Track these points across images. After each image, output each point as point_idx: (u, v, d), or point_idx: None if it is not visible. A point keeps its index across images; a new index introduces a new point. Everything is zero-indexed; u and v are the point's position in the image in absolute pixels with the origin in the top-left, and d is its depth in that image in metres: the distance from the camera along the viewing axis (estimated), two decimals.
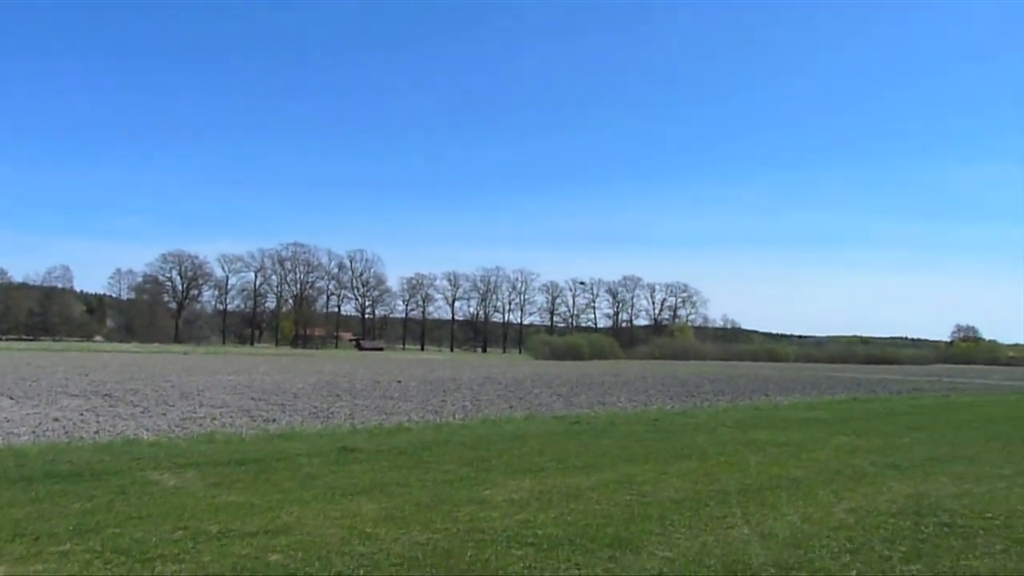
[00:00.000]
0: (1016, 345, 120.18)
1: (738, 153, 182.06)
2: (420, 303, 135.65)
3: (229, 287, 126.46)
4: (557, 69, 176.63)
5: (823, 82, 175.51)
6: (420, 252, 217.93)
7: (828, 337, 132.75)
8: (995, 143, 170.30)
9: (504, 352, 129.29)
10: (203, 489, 8.35)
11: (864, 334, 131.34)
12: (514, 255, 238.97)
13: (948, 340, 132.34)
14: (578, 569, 5.72)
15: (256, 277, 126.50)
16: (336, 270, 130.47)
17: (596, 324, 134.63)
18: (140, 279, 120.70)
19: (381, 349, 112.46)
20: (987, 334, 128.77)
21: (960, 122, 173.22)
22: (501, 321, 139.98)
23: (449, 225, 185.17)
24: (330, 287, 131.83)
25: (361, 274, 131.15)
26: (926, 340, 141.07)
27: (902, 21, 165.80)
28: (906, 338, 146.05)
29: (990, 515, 7.65)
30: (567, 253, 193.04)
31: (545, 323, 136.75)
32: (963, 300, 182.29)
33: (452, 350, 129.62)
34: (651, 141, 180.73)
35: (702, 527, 7.00)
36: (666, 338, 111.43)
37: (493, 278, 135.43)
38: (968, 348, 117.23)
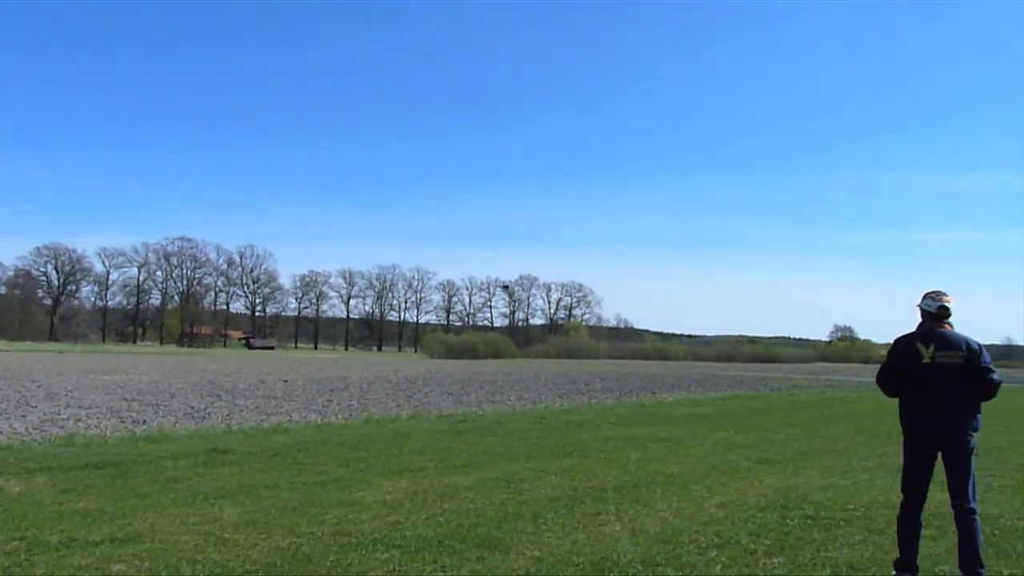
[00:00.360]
0: (888, 344, 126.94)
1: (631, 155, 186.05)
2: (314, 301, 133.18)
3: (110, 283, 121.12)
4: (457, 69, 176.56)
5: (709, 87, 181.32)
6: (314, 249, 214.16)
7: (716, 336, 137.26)
8: (870, 152, 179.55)
9: (400, 351, 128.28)
10: (51, 496, 7.77)
11: (750, 334, 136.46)
12: (411, 253, 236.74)
13: (827, 339, 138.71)
14: (444, 571, 5.54)
15: (139, 272, 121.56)
16: (225, 266, 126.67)
17: (492, 323, 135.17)
18: (11, 273, 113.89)
19: (272, 348, 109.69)
20: (862, 334, 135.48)
21: (834, 130, 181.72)
22: (397, 320, 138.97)
23: (344, 222, 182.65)
24: (219, 284, 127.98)
25: (252, 271, 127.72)
26: (807, 340, 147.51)
27: (780, 28, 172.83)
28: (789, 338, 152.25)
29: (852, 507, 7.87)
30: (464, 252, 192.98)
31: (441, 322, 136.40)
32: (841, 301, 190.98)
33: (347, 349, 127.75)
34: (547, 142, 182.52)
35: (575, 525, 6.94)
36: (561, 337, 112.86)
37: (389, 276, 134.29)
38: (845, 347, 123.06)
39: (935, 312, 5.51)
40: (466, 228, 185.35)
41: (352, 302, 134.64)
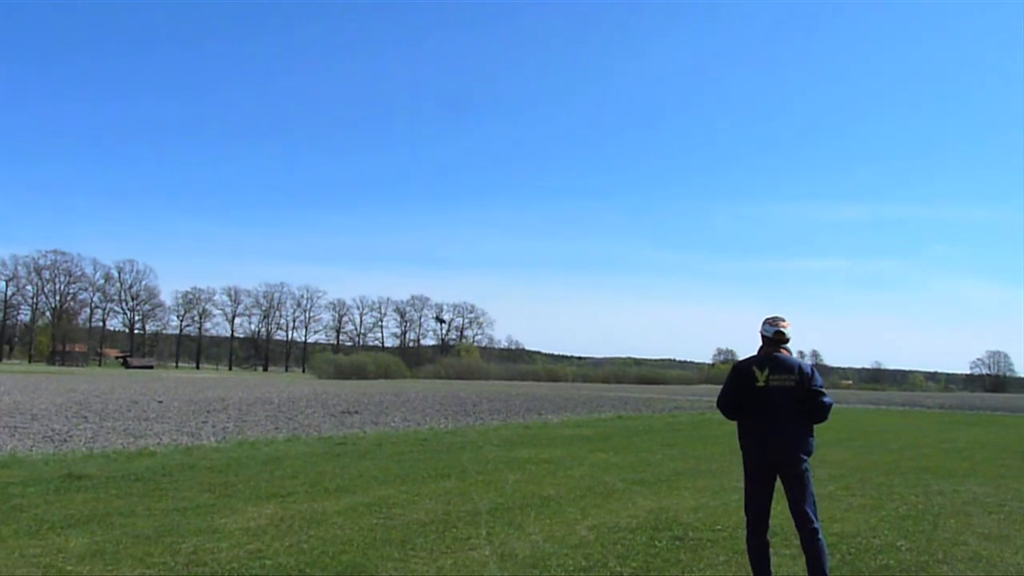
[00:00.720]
0: None
1: (523, 178, 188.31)
2: (197, 319, 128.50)
3: None
4: (345, 87, 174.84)
5: (598, 117, 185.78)
6: (198, 265, 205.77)
7: (605, 359, 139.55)
8: (751, 182, 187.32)
9: (287, 371, 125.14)
10: None
11: (638, 356, 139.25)
12: (300, 271, 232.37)
13: (711, 362, 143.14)
14: None
15: (7, 287, 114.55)
16: (102, 281, 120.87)
17: (383, 343, 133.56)
18: None
19: (151, 367, 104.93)
20: (743, 356, 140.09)
21: (718, 160, 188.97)
22: (285, 339, 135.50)
23: (230, 238, 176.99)
24: (95, 299, 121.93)
25: (131, 286, 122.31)
26: (692, 362, 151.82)
27: (660, 58, 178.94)
28: (675, 360, 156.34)
29: (720, 527, 8.02)
30: (355, 271, 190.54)
31: (331, 341, 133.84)
32: (724, 325, 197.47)
33: (231, 369, 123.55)
34: (440, 162, 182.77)
35: (444, 550, 6.81)
36: (452, 358, 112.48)
37: (277, 294, 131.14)
38: (727, 370, 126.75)
39: (772, 337, 5.70)
40: (357, 247, 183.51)
41: (237, 320, 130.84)
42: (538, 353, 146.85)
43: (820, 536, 5.46)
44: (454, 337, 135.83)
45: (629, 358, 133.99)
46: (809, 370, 5.60)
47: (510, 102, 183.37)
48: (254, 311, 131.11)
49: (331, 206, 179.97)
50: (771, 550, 5.72)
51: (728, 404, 5.74)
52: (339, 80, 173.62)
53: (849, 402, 51.08)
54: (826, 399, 5.58)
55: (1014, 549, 7.32)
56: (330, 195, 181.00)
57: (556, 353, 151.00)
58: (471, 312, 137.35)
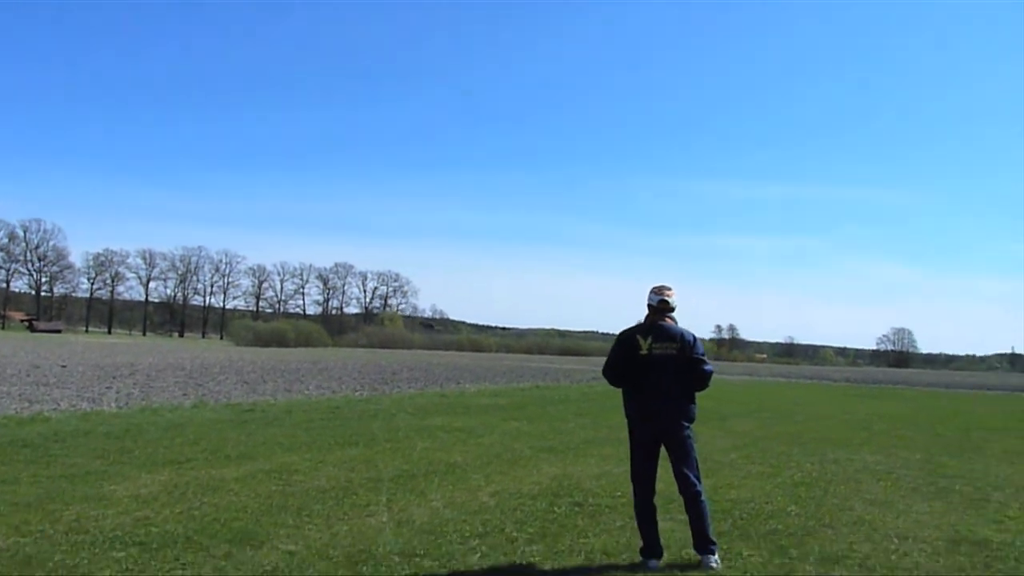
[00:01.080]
0: None
1: (448, 147, 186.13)
2: (109, 282, 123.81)
3: None
4: (269, 50, 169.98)
5: (524, 88, 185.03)
6: (110, 227, 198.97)
7: (528, 329, 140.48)
8: (675, 159, 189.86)
9: (204, 337, 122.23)
10: None
11: (562, 327, 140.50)
12: (219, 235, 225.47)
13: None
14: (184, 569, 5.15)
15: None
16: (6, 240, 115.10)
17: (305, 311, 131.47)
18: None
19: (59, 331, 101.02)
20: None
21: (641, 136, 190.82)
22: (202, 304, 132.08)
23: (145, 199, 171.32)
24: None
25: (37, 247, 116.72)
26: (614, 334, 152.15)
27: (587, 31, 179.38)
28: (598, 332, 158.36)
29: (619, 494, 8.09)
30: (276, 237, 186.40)
31: (250, 308, 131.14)
32: (645, 299, 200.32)
33: (145, 334, 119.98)
34: (365, 129, 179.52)
35: (340, 516, 6.71)
36: (376, 327, 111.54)
37: (194, 258, 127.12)
38: None
39: (656, 306, 5.77)
40: (279, 212, 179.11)
41: (152, 284, 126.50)
42: (462, 323, 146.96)
43: (703, 498, 5.57)
44: (378, 306, 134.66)
45: (553, 329, 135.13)
46: (691, 339, 5.67)
47: (437, 70, 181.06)
48: (170, 275, 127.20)
49: (253, 170, 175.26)
50: (658, 515, 5.81)
51: (613, 373, 5.81)
52: (260, 40, 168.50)
53: (761, 375, 52.67)
54: (707, 367, 5.67)
55: (896, 514, 7.61)
56: (252, 158, 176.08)
57: (480, 323, 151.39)
58: (395, 281, 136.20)
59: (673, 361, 5.59)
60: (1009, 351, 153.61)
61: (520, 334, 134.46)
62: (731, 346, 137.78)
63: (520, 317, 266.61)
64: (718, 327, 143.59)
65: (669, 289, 5.79)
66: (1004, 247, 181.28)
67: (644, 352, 5.62)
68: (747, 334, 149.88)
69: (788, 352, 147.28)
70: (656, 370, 5.58)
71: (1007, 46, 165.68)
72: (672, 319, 5.78)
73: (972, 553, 6.22)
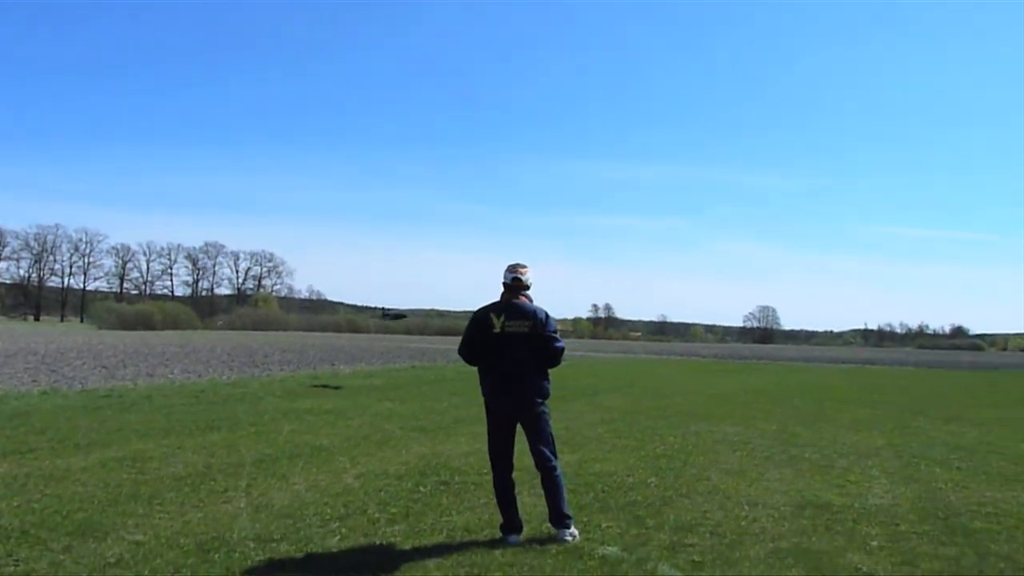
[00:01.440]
0: (567, 319, 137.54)
1: (322, 124, 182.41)
2: None
3: None
4: (141, 25, 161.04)
5: (406, 67, 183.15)
6: None
7: (409, 310, 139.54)
8: (557, 140, 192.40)
9: (62, 320, 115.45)
10: None
11: (443, 308, 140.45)
12: (77, 213, 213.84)
13: None
14: (16, 565, 4.83)
15: None
16: None
17: (173, 292, 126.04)
18: None
19: None
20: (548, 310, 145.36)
21: (523, 118, 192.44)
22: (60, 286, 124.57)
23: None
24: None
25: None
26: None
27: (472, 16, 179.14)
28: None
29: (486, 471, 7.99)
30: (141, 215, 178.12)
31: (114, 289, 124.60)
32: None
33: None
34: (235, 105, 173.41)
35: (195, 503, 6.45)
36: (249, 308, 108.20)
37: (51, 237, 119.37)
38: None
39: (511, 284, 5.83)
40: (144, 190, 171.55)
41: (3, 264, 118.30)
42: (341, 304, 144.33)
43: (557, 473, 5.67)
44: (251, 287, 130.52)
45: (432, 310, 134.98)
46: (544, 316, 5.75)
47: (312, 47, 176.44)
48: (23, 254, 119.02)
49: (114, 144, 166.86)
50: (522, 490, 5.87)
51: (469, 351, 5.84)
52: (122, 15, 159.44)
53: (636, 353, 54.29)
54: (558, 344, 5.76)
55: (748, 481, 7.98)
56: (113, 132, 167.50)
57: (359, 304, 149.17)
58: (270, 261, 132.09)
59: (526, 339, 5.64)
60: (862, 327, 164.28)
61: (398, 315, 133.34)
62: (607, 324, 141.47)
63: (400, 298, 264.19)
64: (594, 306, 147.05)
65: (523, 267, 5.84)
66: (861, 228, 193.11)
67: (497, 330, 5.65)
68: (622, 313, 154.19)
69: (661, 330, 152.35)
70: (510, 348, 5.63)
71: (858, 32, 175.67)
72: (527, 297, 5.82)
73: (815, 516, 6.59)
